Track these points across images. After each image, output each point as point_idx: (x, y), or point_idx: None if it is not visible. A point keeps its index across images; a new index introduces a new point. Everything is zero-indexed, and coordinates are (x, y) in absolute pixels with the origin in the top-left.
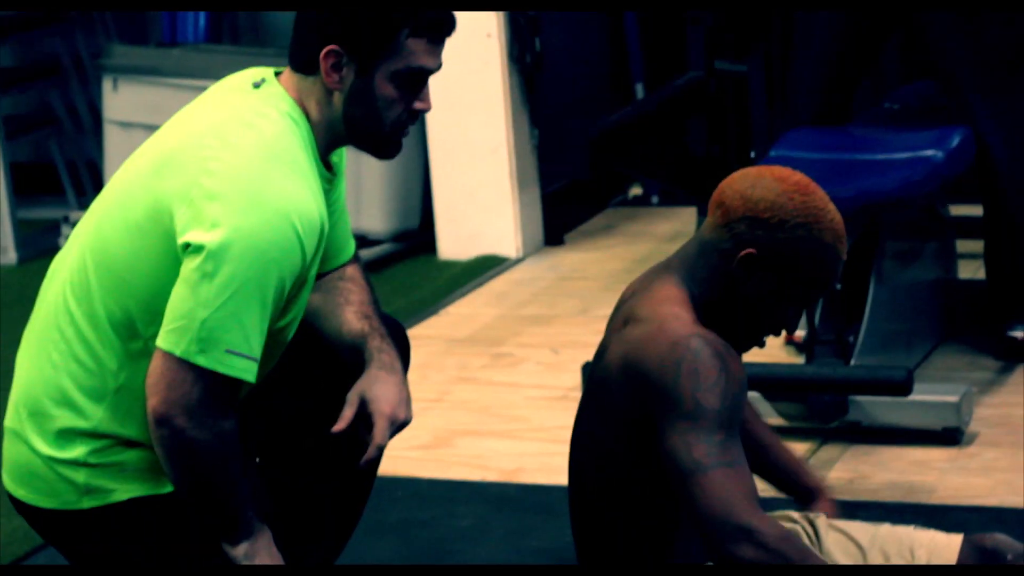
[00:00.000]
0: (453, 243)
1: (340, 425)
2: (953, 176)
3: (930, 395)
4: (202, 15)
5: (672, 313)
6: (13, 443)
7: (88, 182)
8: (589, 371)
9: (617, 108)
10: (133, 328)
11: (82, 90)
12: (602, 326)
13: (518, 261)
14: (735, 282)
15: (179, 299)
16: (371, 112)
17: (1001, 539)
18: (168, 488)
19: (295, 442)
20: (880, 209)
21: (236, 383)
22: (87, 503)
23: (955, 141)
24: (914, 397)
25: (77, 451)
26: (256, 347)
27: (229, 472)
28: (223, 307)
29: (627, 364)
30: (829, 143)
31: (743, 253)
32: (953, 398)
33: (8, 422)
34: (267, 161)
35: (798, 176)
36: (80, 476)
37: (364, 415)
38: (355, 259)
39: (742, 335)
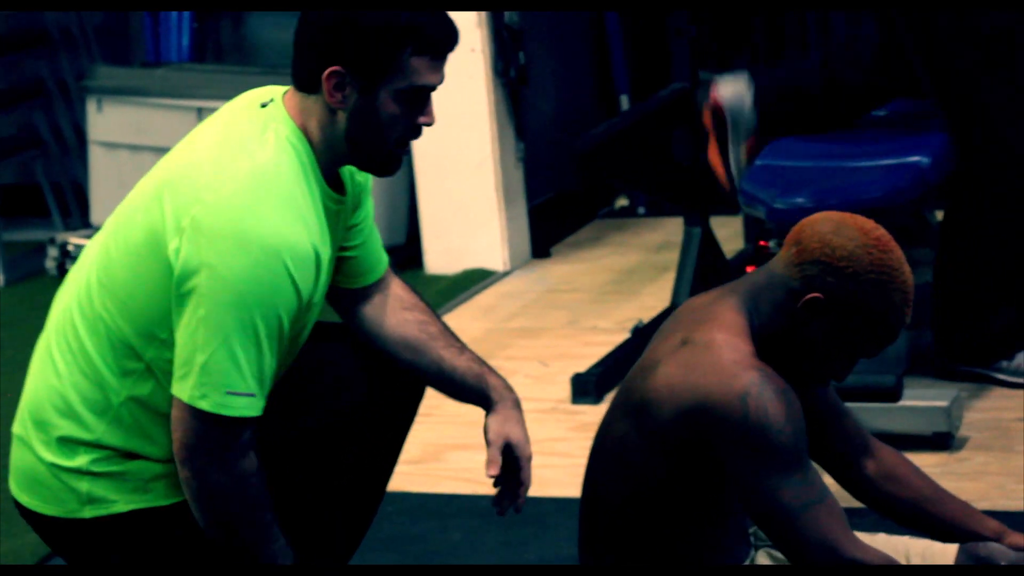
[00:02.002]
0: (440, 257)
1: (493, 470)
2: (939, 182)
3: (920, 400)
4: (185, 34)
5: (732, 344)
6: (20, 449)
7: (74, 203)
8: (629, 381)
9: (602, 120)
10: (132, 349)
11: (67, 111)
12: (591, 337)
13: (505, 274)
14: (796, 322)
15: (181, 345)
16: (375, 131)
17: (995, 548)
18: (169, 500)
19: (302, 457)
20: (867, 216)
21: (244, 421)
22: (89, 512)
23: (940, 146)
24: (904, 403)
25: (80, 460)
26: (254, 383)
27: (252, 512)
28: (218, 350)
29: (684, 389)
30: (815, 151)
31: (810, 296)
32: (943, 403)
33: (16, 428)
34: (258, 192)
35: (881, 232)
36: (83, 485)
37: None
38: (392, 272)
39: (794, 374)
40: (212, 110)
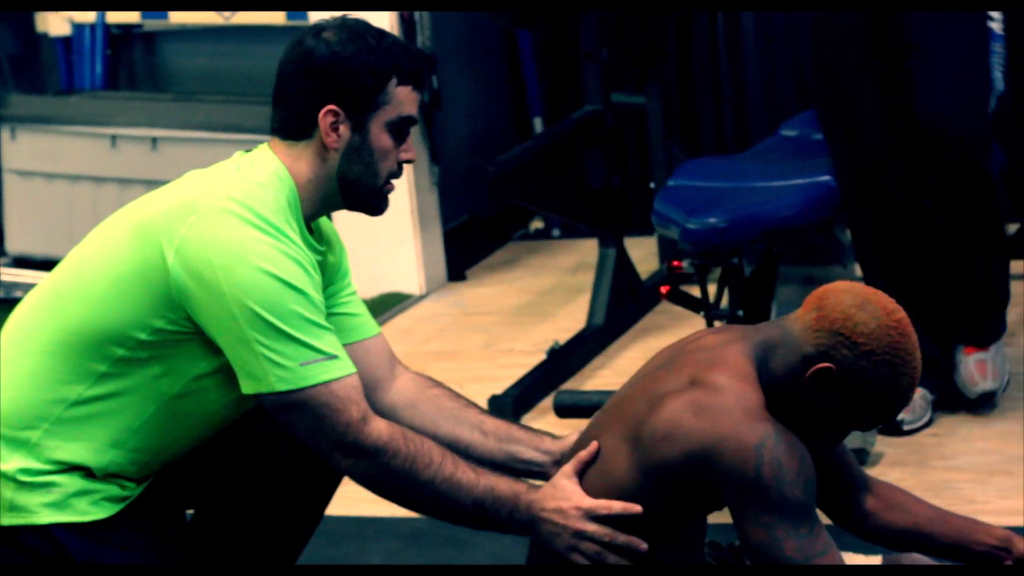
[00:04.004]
0: (356, 281)
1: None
2: None
3: None
4: (99, 62)
5: (744, 392)
6: None
7: None
8: (628, 400)
9: (516, 143)
10: (100, 351)
11: None
12: (508, 360)
13: (421, 298)
14: (802, 387)
15: (229, 349)
16: (369, 166)
17: (917, 558)
18: (88, 518)
19: (235, 494)
20: (779, 235)
21: (335, 387)
22: (7, 519)
23: None
24: None
25: (10, 464)
26: (321, 347)
27: (417, 475)
28: (267, 334)
29: (693, 431)
30: (727, 171)
31: (821, 366)
32: None
33: None
34: (252, 191)
35: (902, 315)
36: (7, 491)
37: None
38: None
39: (796, 429)
40: (127, 137)
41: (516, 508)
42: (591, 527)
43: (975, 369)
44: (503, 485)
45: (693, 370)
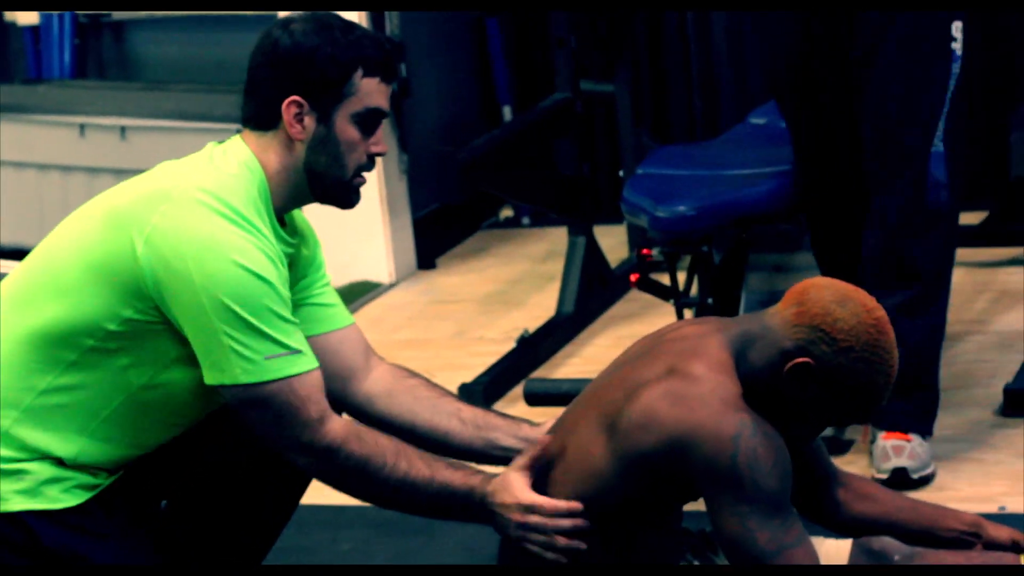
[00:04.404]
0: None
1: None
2: None
3: None
4: (67, 50)
5: (722, 383)
6: None
7: None
8: (604, 389)
9: (486, 131)
10: (69, 341)
11: None
12: (478, 348)
13: (391, 286)
14: (779, 381)
15: (195, 338)
16: (335, 158)
17: (888, 541)
18: (60, 505)
19: (208, 487)
20: (748, 222)
21: (295, 382)
22: None
23: None
24: None
25: None
26: (289, 341)
27: (371, 472)
28: (232, 328)
29: (669, 420)
30: (696, 159)
31: (800, 360)
32: None
33: None
34: (222, 180)
35: (881, 313)
36: None
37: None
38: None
39: (772, 421)
40: (95, 126)
41: (470, 502)
42: (533, 519)
43: (891, 450)
44: (457, 480)
45: (671, 359)
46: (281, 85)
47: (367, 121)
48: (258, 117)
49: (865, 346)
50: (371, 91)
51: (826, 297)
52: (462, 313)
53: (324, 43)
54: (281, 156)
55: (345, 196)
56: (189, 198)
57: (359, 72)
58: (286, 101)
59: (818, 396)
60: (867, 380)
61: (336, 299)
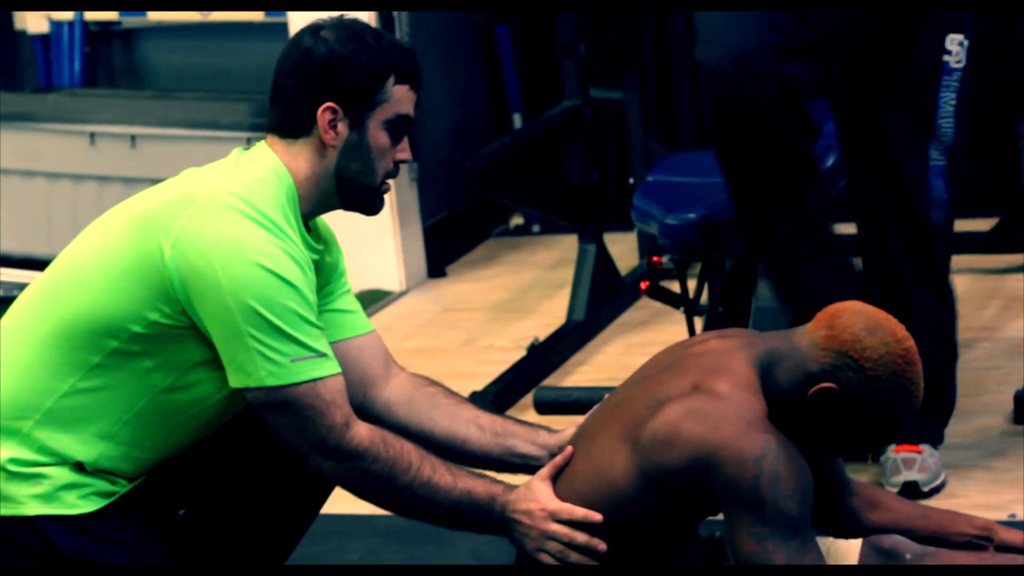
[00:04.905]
0: None
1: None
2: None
3: None
4: (77, 59)
5: (748, 402)
6: None
7: None
8: (628, 401)
9: (496, 138)
10: (95, 343)
11: None
12: (487, 356)
13: (401, 294)
14: (802, 402)
15: (222, 343)
16: (366, 164)
17: (899, 540)
18: (77, 511)
19: (227, 495)
20: None
21: (320, 386)
22: None
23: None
24: None
25: (0, 453)
26: (315, 344)
27: (396, 480)
28: (258, 330)
29: (694, 438)
30: (705, 166)
31: (825, 385)
32: None
33: None
34: (250, 186)
35: (910, 343)
36: None
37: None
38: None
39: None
40: (105, 135)
41: (492, 510)
42: (554, 527)
43: (901, 463)
44: (480, 488)
45: (697, 375)
46: (315, 92)
47: (397, 128)
48: (288, 124)
49: (892, 376)
50: (402, 98)
51: (857, 324)
52: (472, 321)
53: (358, 50)
54: (312, 162)
55: (371, 202)
56: (217, 202)
57: (391, 79)
58: (321, 107)
59: (839, 420)
60: (889, 411)
61: (357, 306)
